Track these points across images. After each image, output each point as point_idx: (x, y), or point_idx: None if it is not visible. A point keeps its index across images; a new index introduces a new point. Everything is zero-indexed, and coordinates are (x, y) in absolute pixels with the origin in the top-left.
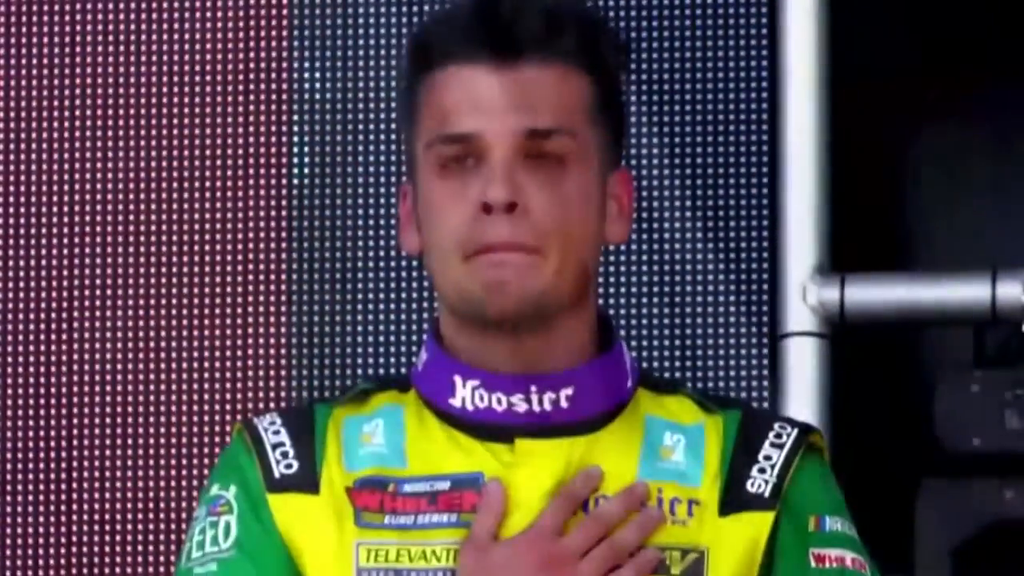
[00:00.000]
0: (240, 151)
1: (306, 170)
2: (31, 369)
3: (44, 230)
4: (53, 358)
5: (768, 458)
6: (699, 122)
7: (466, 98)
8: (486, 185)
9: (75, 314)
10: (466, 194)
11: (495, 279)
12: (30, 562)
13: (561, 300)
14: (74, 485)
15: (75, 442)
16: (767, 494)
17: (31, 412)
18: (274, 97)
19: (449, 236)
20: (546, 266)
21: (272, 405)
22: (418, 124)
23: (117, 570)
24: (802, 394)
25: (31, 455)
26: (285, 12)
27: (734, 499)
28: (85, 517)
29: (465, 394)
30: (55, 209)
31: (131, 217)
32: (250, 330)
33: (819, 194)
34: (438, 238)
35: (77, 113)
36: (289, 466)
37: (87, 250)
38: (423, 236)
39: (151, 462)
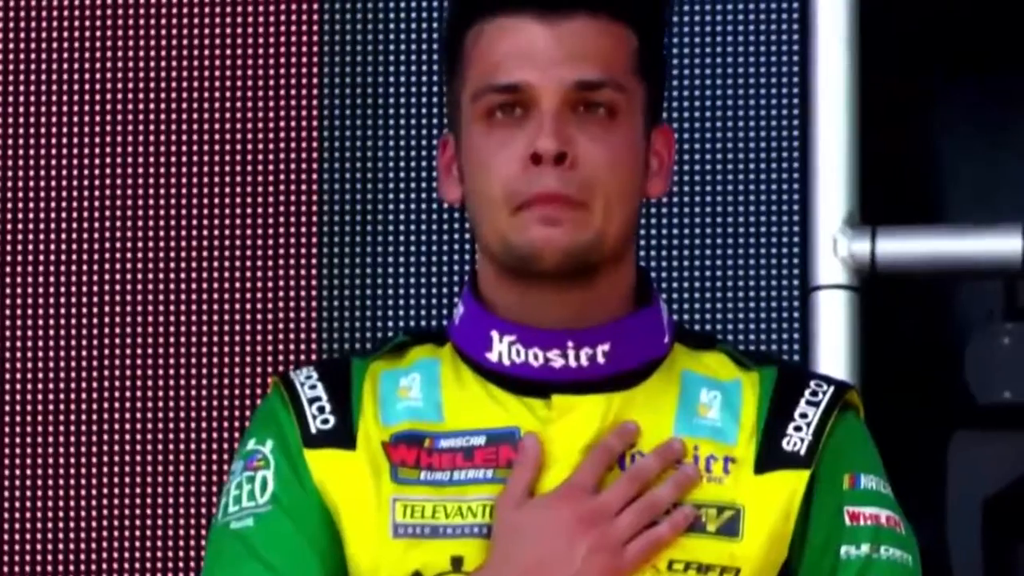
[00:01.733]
0: (270, 107)
1: (336, 122)
2: (61, 350)
3: (75, 209)
4: (87, 314)
5: (804, 416)
6: (729, 75)
7: (515, 49)
8: (535, 135)
9: (116, 274)
10: (514, 145)
11: (543, 236)
12: (73, 513)
13: (605, 253)
14: (108, 442)
15: (108, 401)
16: (803, 452)
17: (68, 370)
18: (304, 49)
19: (497, 186)
20: (593, 220)
21: (303, 359)
22: (464, 74)
23: (156, 523)
24: (833, 347)
25: (64, 415)
26: None
27: (770, 457)
28: (118, 472)
29: (502, 348)
30: (86, 188)
31: (170, 179)
32: (280, 283)
33: (849, 146)
34: (485, 188)
35: (109, 97)
36: (326, 421)
37: (128, 212)
38: (466, 186)
39: (183, 415)
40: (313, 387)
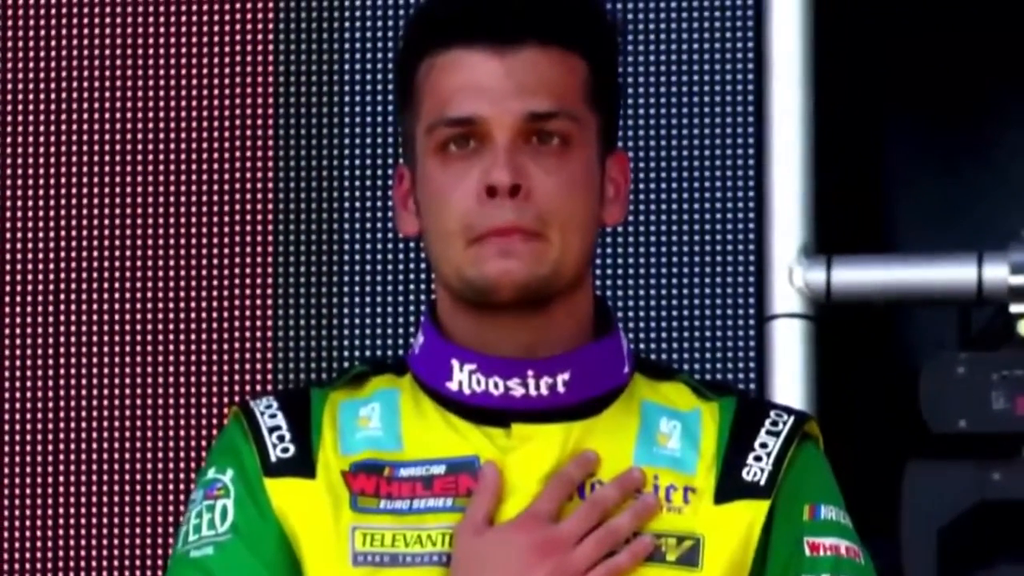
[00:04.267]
0: (226, 138)
1: (292, 156)
2: (17, 363)
3: (30, 223)
4: (39, 348)
5: (764, 446)
6: (685, 103)
7: (467, 82)
8: (489, 168)
9: (61, 304)
10: (469, 178)
11: (500, 270)
12: (17, 555)
13: (563, 283)
14: (63, 473)
15: (63, 432)
16: (763, 482)
17: (16, 403)
18: (260, 80)
19: (452, 219)
20: (550, 251)
21: (258, 388)
22: (418, 108)
23: (113, 553)
24: (788, 376)
25: (15, 448)
26: None
27: (730, 487)
28: (73, 506)
29: (462, 378)
30: (40, 200)
31: (116, 207)
32: (236, 312)
33: (805, 176)
34: (441, 221)
35: (63, 106)
36: (286, 450)
37: (73, 242)
38: (422, 219)
39: (138, 445)
40: (273, 416)
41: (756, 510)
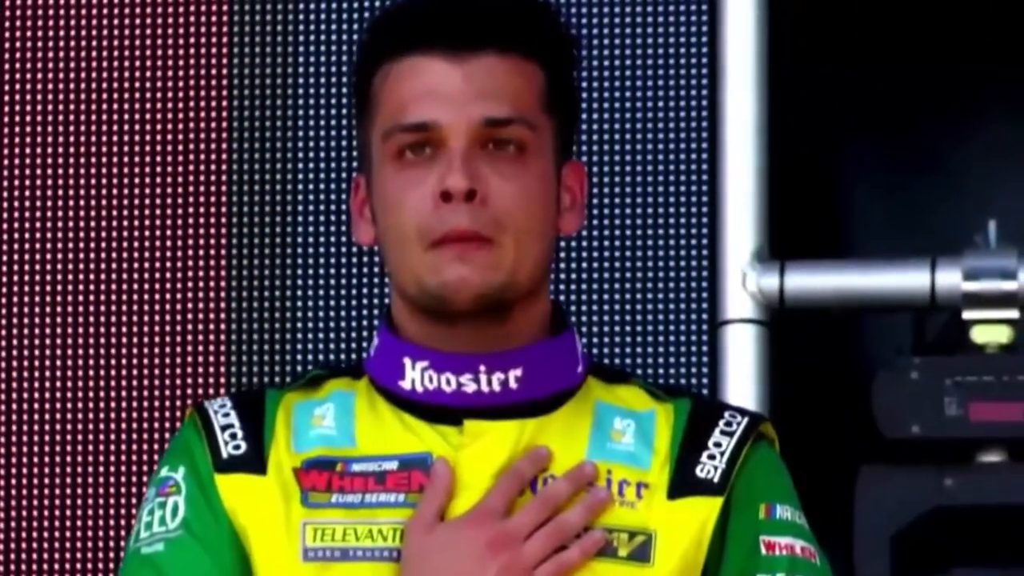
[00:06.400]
0: (180, 140)
1: (245, 157)
2: None
3: None
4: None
5: (718, 445)
6: (639, 109)
7: (423, 88)
8: (445, 174)
9: (14, 309)
10: (424, 184)
11: (456, 277)
12: None
13: (518, 291)
14: (15, 476)
15: (15, 436)
16: (716, 479)
17: None
18: (214, 83)
19: (408, 225)
20: (505, 258)
21: (211, 393)
22: (374, 114)
23: (66, 556)
24: (741, 380)
25: None
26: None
27: (683, 483)
28: (31, 508)
29: (415, 375)
30: None
31: (70, 211)
32: (189, 316)
33: (758, 181)
34: (396, 228)
35: (17, 105)
36: (237, 447)
37: (27, 244)
38: (378, 227)
39: (91, 448)
40: (227, 415)
41: (709, 507)
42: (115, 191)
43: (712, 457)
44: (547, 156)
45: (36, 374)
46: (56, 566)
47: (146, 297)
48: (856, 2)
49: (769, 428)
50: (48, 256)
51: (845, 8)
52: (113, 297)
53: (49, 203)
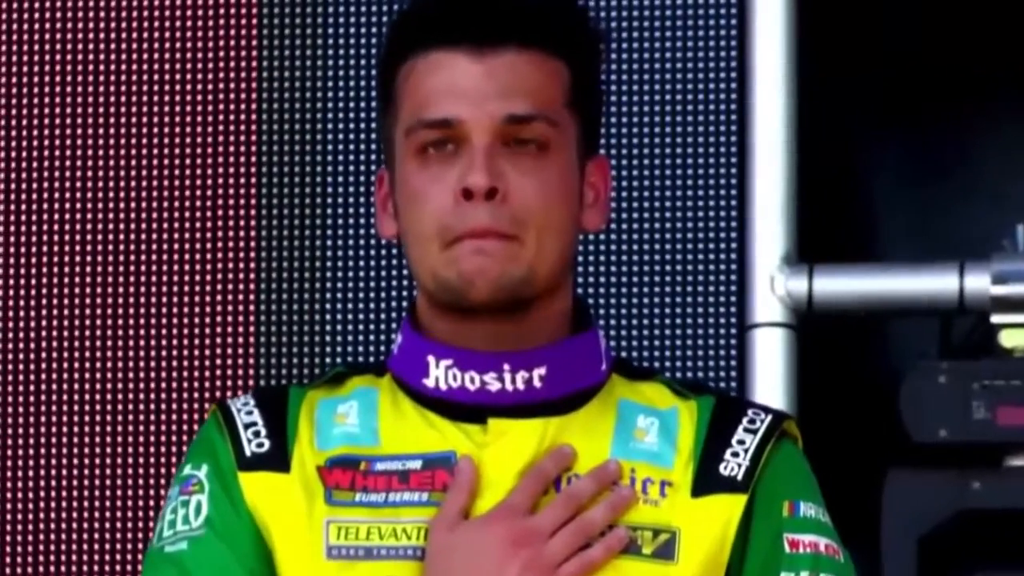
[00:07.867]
0: (209, 138)
1: (275, 154)
2: (7, 353)
3: (12, 227)
4: (21, 352)
5: (742, 442)
6: (668, 112)
7: (446, 84)
8: (466, 171)
9: (43, 308)
10: (446, 180)
11: (474, 267)
12: (9, 549)
13: (538, 287)
14: (44, 475)
15: (44, 435)
16: (740, 477)
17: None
18: (243, 84)
19: (428, 222)
20: (524, 253)
21: (239, 391)
22: (397, 110)
23: (93, 556)
24: (769, 384)
25: None
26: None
27: (707, 481)
28: (55, 508)
29: (439, 373)
30: (22, 202)
31: (99, 209)
32: (218, 315)
33: (787, 185)
34: (417, 224)
35: (46, 104)
36: (260, 445)
37: (55, 247)
38: (400, 222)
39: (119, 446)
40: (249, 413)
41: (733, 504)
42: (144, 191)
43: (736, 455)
44: (570, 152)
45: (65, 374)
46: (84, 568)
47: (175, 297)
48: (883, 6)
49: (793, 426)
50: (78, 256)
51: (873, 13)
52: (143, 296)
53: (79, 204)
